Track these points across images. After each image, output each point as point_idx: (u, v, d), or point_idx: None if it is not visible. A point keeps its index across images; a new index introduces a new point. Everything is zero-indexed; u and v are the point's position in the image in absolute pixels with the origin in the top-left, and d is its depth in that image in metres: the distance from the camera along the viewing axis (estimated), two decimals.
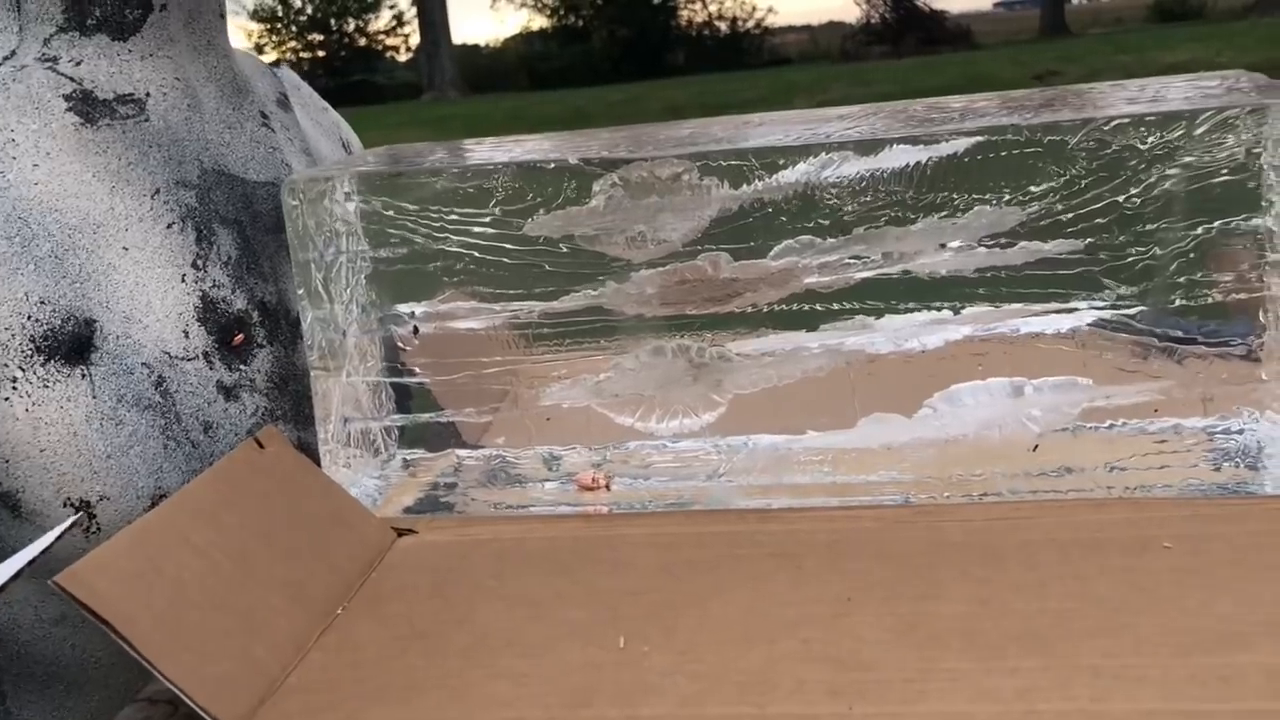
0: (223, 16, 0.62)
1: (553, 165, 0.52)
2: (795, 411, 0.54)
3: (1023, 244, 0.50)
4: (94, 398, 0.51)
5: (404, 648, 0.42)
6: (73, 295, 0.52)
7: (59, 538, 0.42)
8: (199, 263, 0.56)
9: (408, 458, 0.59)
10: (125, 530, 0.42)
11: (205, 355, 0.55)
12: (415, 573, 0.49)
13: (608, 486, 0.55)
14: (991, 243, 0.50)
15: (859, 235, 0.51)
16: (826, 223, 0.51)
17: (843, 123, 0.54)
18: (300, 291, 0.55)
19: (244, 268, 0.58)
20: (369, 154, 0.63)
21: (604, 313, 0.54)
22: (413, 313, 0.55)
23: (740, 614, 0.42)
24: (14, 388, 0.50)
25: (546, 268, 0.54)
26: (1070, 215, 0.49)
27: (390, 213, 0.54)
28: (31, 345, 0.50)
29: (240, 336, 0.57)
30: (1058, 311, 0.50)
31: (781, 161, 0.51)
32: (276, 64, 0.74)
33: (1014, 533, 0.46)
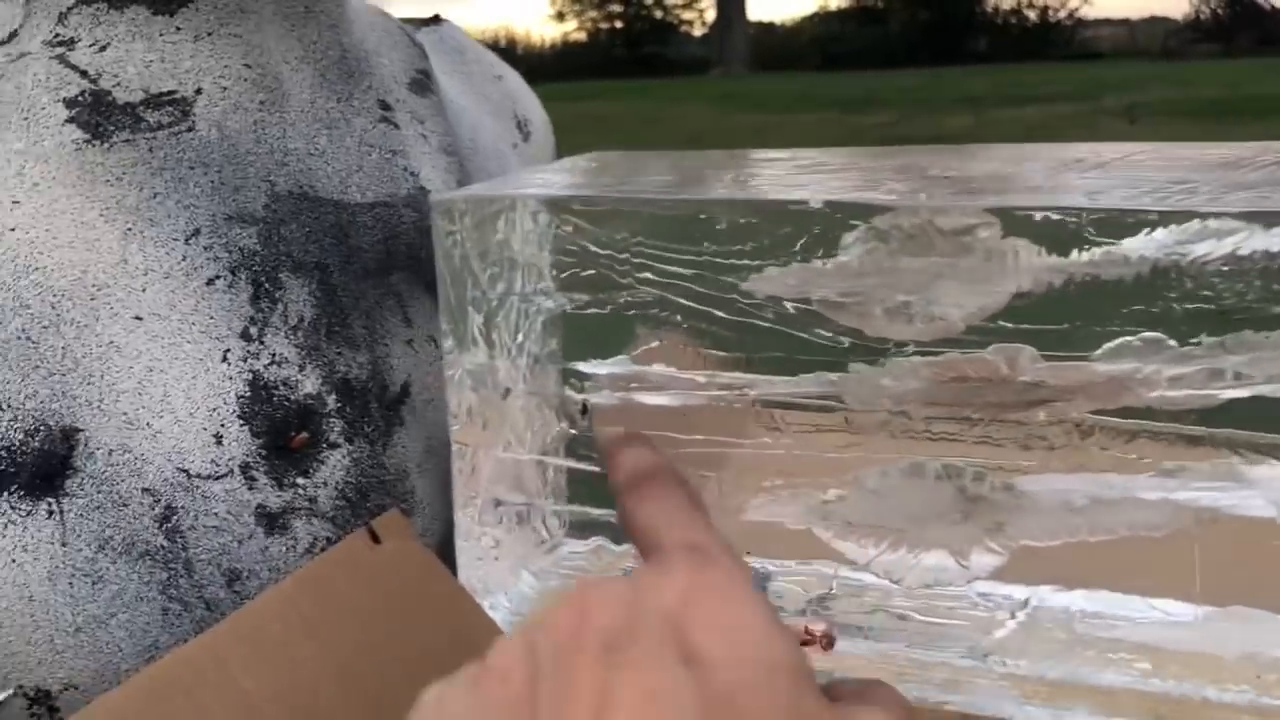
0: None
1: (791, 207, 0.38)
2: (1105, 578, 0.38)
3: None
4: (63, 545, 0.37)
5: None
6: (47, 394, 0.37)
7: None
8: (252, 331, 0.41)
9: (577, 550, 0.46)
10: (158, 664, 0.31)
11: (244, 469, 0.40)
12: None
13: (827, 645, 0.40)
14: None
15: (1236, 340, 0.34)
16: (1187, 315, 0.35)
17: (1230, 174, 0.37)
18: (448, 342, 0.43)
19: (321, 332, 0.42)
20: (566, 164, 0.49)
21: (842, 406, 0.39)
22: (583, 387, 0.42)
23: None
24: None
25: (771, 337, 0.39)
26: None
27: (581, 247, 0.41)
28: None
29: (302, 436, 0.41)
30: None
31: (1130, 222, 0.35)
32: (435, 19, 0.56)
33: None
